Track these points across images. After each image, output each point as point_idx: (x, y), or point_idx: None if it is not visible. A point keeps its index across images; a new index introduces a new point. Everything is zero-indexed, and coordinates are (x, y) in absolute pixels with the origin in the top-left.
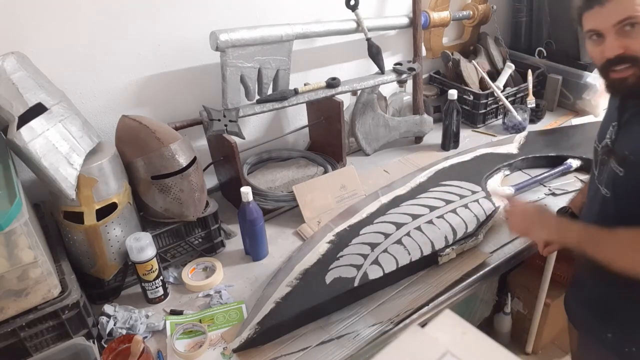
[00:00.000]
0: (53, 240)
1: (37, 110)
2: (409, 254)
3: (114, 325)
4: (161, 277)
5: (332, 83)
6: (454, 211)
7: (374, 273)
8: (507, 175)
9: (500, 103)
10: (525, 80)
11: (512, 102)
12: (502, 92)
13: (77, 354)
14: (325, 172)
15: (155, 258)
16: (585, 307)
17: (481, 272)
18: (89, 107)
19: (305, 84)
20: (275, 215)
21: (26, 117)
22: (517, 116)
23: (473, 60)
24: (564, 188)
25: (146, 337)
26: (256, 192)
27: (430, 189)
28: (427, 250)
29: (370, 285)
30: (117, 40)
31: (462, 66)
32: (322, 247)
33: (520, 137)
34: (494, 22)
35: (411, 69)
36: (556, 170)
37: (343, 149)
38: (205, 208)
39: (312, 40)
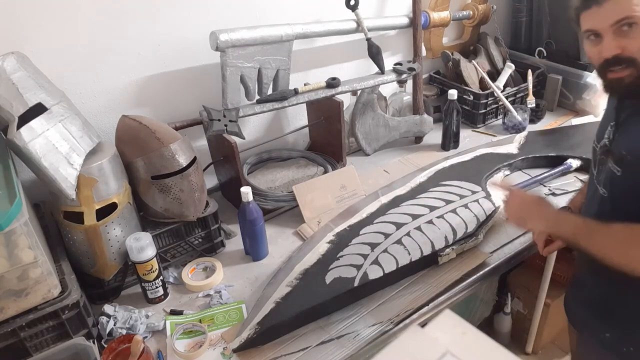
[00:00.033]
0: (53, 240)
1: (37, 110)
2: (409, 254)
3: (114, 325)
4: (161, 277)
5: (332, 83)
6: (454, 211)
7: (374, 273)
8: (507, 175)
9: (500, 103)
10: (525, 80)
11: (512, 102)
12: (502, 92)
13: (77, 354)
14: (325, 172)
15: (155, 258)
16: (584, 307)
17: (481, 272)
18: (89, 107)
19: (305, 84)
20: (275, 215)
21: (26, 117)
22: (517, 116)
23: (473, 60)
24: (564, 188)
25: (146, 337)
26: (256, 192)
27: (430, 189)
28: (427, 250)
29: (370, 285)
30: (117, 40)
31: (462, 66)
32: (322, 247)
33: (520, 137)
34: (494, 22)
35: (411, 69)
36: (556, 170)
37: (343, 149)
38: (205, 208)
39: (312, 40)
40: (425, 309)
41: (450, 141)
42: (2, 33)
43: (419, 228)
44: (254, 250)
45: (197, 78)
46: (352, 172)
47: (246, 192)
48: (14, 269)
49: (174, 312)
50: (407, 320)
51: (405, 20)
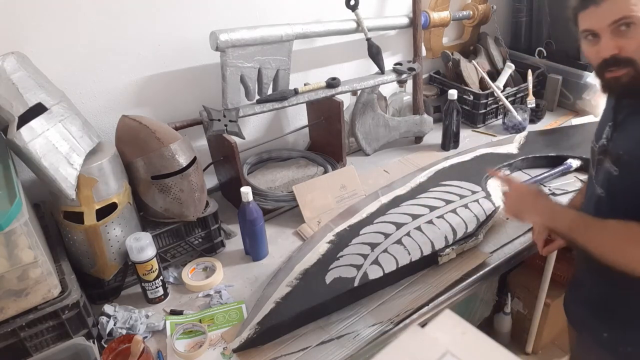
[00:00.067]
0: (53, 240)
1: (37, 110)
2: (409, 254)
3: (114, 325)
4: (161, 277)
5: (332, 83)
6: (454, 211)
7: (374, 273)
8: (507, 175)
9: (500, 103)
10: (525, 80)
11: (512, 102)
12: (502, 92)
13: (77, 354)
14: (325, 172)
15: (155, 258)
16: (583, 307)
17: (481, 272)
18: (89, 107)
19: (305, 84)
20: (275, 215)
21: (26, 117)
22: (517, 116)
23: (473, 60)
24: (564, 188)
25: (146, 337)
26: (256, 192)
27: (430, 189)
28: (427, 250)
29: (370, 285)
30: (117, 40)
31: (462, 66)
32: (322, 247)
33: (520, 137)
34: (494, 22)
35: (411, 69)
36: (556, 170)
37: (343, 149)
38: (205, 208)
39: (312, 40)
40: (425, 309)
41: (450, 141)
42: (2, 33)
43: (419, 228)
44: (254, 250)
45: (197, 78)
46: (352, 172)
47: (246, 192)
48: (14, 269)
49: (174, 312)
50: (407, 320)
51: (405, 20)
